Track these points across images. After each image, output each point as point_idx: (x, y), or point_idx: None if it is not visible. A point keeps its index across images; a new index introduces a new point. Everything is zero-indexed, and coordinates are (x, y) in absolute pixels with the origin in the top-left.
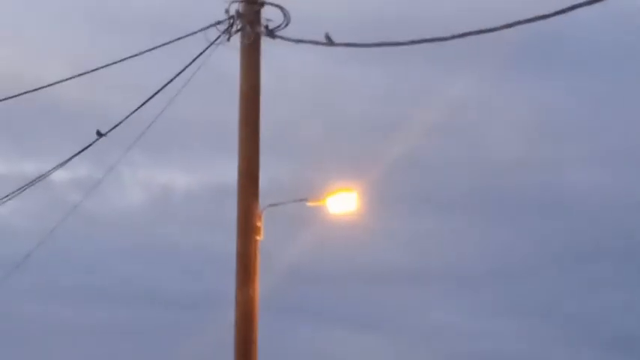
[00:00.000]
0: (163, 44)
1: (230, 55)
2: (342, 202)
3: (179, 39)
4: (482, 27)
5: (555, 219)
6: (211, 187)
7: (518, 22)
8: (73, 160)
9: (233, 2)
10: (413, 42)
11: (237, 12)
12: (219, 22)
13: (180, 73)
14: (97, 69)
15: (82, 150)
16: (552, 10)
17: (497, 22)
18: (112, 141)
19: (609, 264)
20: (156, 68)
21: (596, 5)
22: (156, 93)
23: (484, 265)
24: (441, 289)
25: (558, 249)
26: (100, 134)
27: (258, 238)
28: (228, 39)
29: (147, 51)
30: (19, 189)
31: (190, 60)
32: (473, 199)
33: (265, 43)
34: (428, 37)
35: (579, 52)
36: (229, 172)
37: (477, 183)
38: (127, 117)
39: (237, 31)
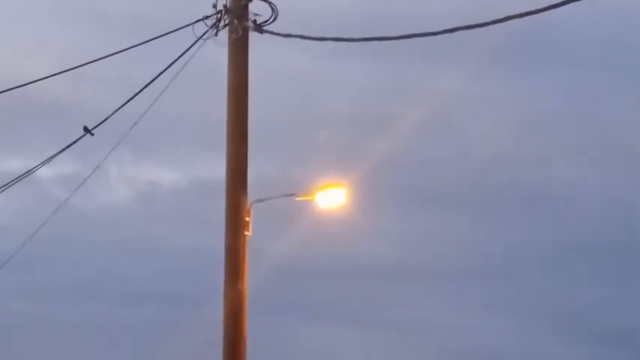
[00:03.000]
0: (150, 39)
1: (218, 50)
2: (331, 198)
3: (166, 34)
4: (472, 22)
5: (542, 215)
6: (198, 184)
7: (509, 18)
8: (58, 156)
9: None
10: (402, 37)
11: (225, 7)
12: (206, 17)
13: (167, 68)
14: (83, 65)
15: (68, 146)
16: (540, 6)
17: (484, 18)
18: (97, 137)
19: (596, 259)
20: (143, 64)
21: (585, 0)
22: (143, 88)
23: (472, 260)
24: (429, 285)
25: (546, 245)
26: (87, 130)
27: (246, 233)
28: (216, 34)
29: (134, 46)
30: (4, 186)
31: (177, 55)
32: (461, 195)
33: (253, 39)
34: (417, 32)
35: (567, 48)
36: (216, 168)
37: (465, 179)
38: (113, 112)
39: (225, 25)
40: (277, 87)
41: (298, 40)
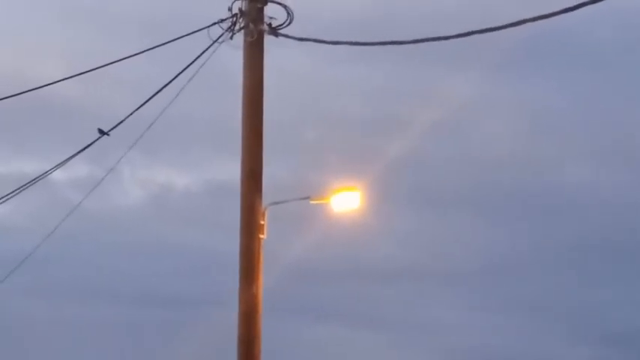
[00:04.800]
0: (166, 42)
1: (232, 53)
2: (345, 200)
3: (182, 37)
4: (481, 24)
5: (549, 216)
6: (211, 186)
7: (524, 21)
8: (72, 159)
9: (236, 0)
10: (416, 41)
11: (240, 10)
12: (222, 20)
13: (182, 71)
14: (97, 68)
15: (85, 148)
16: (546, 7)
17: (493, 20)
18: (111, 140)
19: (601, 260)
20: (155, 67)
21: (596, 3)
22: (158, 91)
23: (484, 261)
24: (441, 286)
25: (552, 245)
26: (102, 132)
27: (261, 236)
28: (231, 37)
29: (149, 49)
30: (19, 188)
31: (191, 58)
32: (473, 196)
33: (267, 42)
34: (429, 34)
35: (575, 51)
36: (229, 171)
37: (476, 180)
38: (129, 115)
39: (241, 29)
40: (290, 89)
41: (311, 42)
